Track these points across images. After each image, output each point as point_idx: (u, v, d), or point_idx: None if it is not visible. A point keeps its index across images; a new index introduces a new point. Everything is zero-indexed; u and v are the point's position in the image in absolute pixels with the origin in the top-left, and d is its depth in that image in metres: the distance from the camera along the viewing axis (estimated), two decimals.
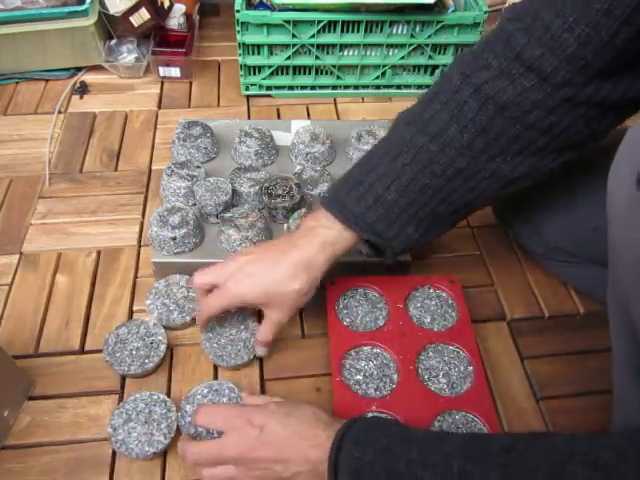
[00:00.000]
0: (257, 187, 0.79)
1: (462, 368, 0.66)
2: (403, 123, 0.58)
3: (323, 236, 0.59)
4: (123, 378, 0.67)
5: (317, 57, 1.02)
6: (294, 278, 0.58)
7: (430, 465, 0.43)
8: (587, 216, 0.68)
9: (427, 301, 0.72)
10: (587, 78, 0.49)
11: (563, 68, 0.49)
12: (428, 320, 0.71)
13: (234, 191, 0.78)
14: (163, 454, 0.61)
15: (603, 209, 0.65)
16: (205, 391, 0.63)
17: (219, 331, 0.68)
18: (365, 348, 0.68)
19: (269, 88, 1.07)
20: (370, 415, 0.60)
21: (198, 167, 0.81)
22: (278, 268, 0.59)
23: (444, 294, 0.73)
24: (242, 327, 0.69)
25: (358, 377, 0.65)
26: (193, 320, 0.71)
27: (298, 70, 1.05)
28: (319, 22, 0.96)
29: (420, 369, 0.66)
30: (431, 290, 0.73)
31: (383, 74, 1.07)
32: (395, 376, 0.65)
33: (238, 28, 0.97)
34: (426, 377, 0.65)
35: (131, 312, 0.74)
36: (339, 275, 0.74)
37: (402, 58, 1.04)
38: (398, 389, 0.64)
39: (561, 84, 0.50)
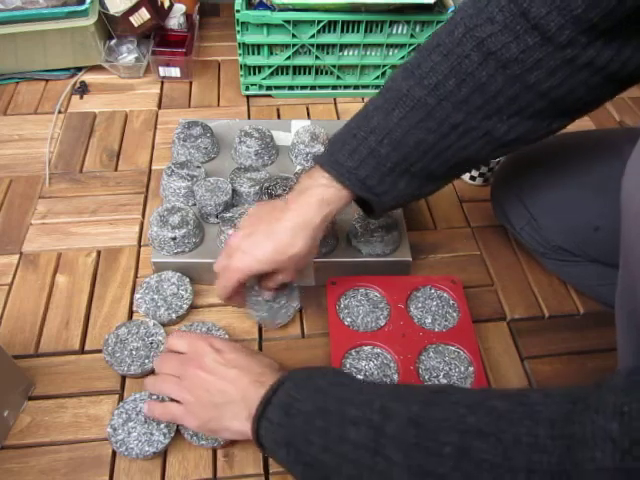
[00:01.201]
0: (257, 187, 0.79)
1: (462, 369, 0.66)
2: (401, 77, 0.57)
3: (318, 195, 0.59)
4: (123, 378, 0.67)
5: (317, 57, 1.02)
6: (292, 243, 0.59)
7: (357, 403, 0.45)
8: (589, 216, 0.68)
9: (428, 301, 0.72)
10: (591, 39, 0.48)
11: (568, 28, 0.48)
12: (429, 320, 0.71)
13: (234, 191, 0.78)
14: (163, 454, 0.61)
15: (605, 209, 0.65)
16: None
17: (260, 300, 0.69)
18: (366, 348, 0.68)
19: (269, 88, 1.07)
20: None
21: (198, 167, 0.81)
22: (275, 237, 0.59)
23: (445, 294, 0.73)
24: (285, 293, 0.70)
25: (358, 377, 0.65)
26: (178, 317, 0.72)
27: (298, 70, 1.05)
28: (319, 22, 0.96)
29: (421, 369, 0.66)
30: (432, 290, 0.73)
31: (383, 74, 1.07)
32: (396, 376, 0.65)
33: (238, 28, 0.97)
34: (427, 377, 0.65)
35: (131, 312, 0.74)
36: (340, 275, 0.74)
37: (402, 58, 1.04)
38: None
39: (564, 45, 0.49)
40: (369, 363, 0.66)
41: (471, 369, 0.66)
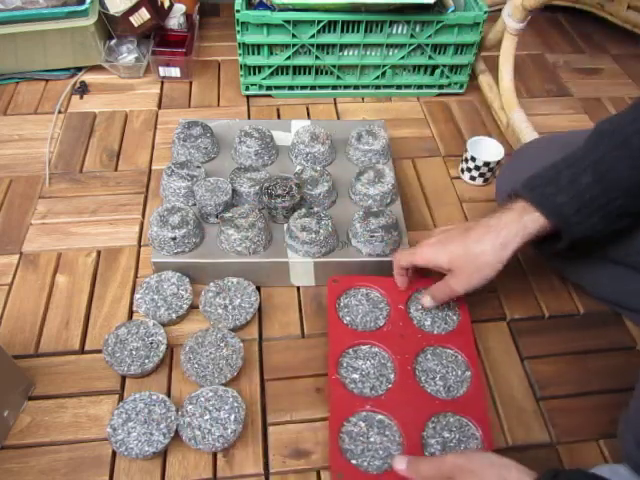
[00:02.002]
0: (257, 187, 0.79)
1: (460, 372, 0.66)
2: (608, 123, 0.58)
3: (517, 221, 0.59)
4: (123, 378, 0.67)
5: (317, 57, 1.02)
6: (489, 251, 0.59)
7: None
8: None
9: None
10: None
11: None
12: (428, 323, 0.71)
13: (234, 191, 0.78)
14: (163, 454, 0.61)
15: None
16: (209, 394, 0.63)
17: (198, 351, 0.67)
18: (363, 347, 0.68)
19: (269, 88, 1.07)
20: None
21: (198, 167, 0.81)
22: (469, 239, 0.61)
23: None
24: (222, 344, 0.67)
25: (355, 375, 0.65)
26: (178, 317, 0.71)
27: (298, 70, 1.05)
28: (319, 22, 0.96)
29: (417, 370, 0.66)
30: (428, 308, 0.72)
31: (383, 74, 1.07)
32: (392, 376, 0.65)
33: (238, 28, 0.97)
34: (423, 379, 0.65)
35: (131, 312, 0.74)
36: (340, 274, 0.74)
37: (402, 58, 1.04)
38: (394, 389, 0.64)
39: None
40: (366, 362, 0.66)
41: (468, 373, 0.66)
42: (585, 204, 0.56)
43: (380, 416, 0.62)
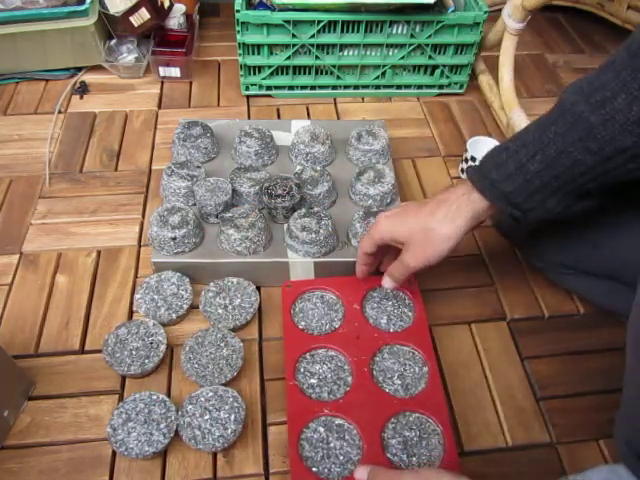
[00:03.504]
0: (257, 187, 0.79)
1: (417, 369, 0.66)
2: (569, 91, 0.52)
3: (461, 204, 0.57)
4: (123, 378, 0.67)
5: (317, 57, 1.02)
6: (441, 223, 0.57)
7: None
8: (587, 235, 0.67)
9: (384, 301, 0.72)
10: None
11: None
12: (384, 321, 0.70)
13: (234, 191, 0.78)
14: (163, 454, 0.61)
15: (601, 228, 0.65)
16: (209, 394, 0.63)
17: (198, 351, 0.67)
18: (320, 351, 0.67)
19: (269, 88, 1.07)
20: None
21: (198, 167, 0.81)
22: (424, 213, 0.59)
23: (401, 294, 0.73)
24: (222, 344, 0.68)
25: (312, 381, 0.64)
26: (178, 317, 0.72)
27: (298, 70, 1.05)
28: (319, 22, 0.96)
29: (375, 371, 0.66)
30: (389, 290, 0.72)
31: (383, 74, 1.07)
32: (350, 379, 0.65)
33: (238, 28, 0.97)
34: (381, 379, 0.65)
35: (131, 312, 0.74)
36: (340, 275, 0.74)
37: (402, 58, 1.04)
38: (352, 392, 0.63)
39: None
40: (323, 366, 0.66)
41: (425, 369, 0.66)
42: (536, 190, 0.53)
43: (339, 420, 0.61)
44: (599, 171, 0.50)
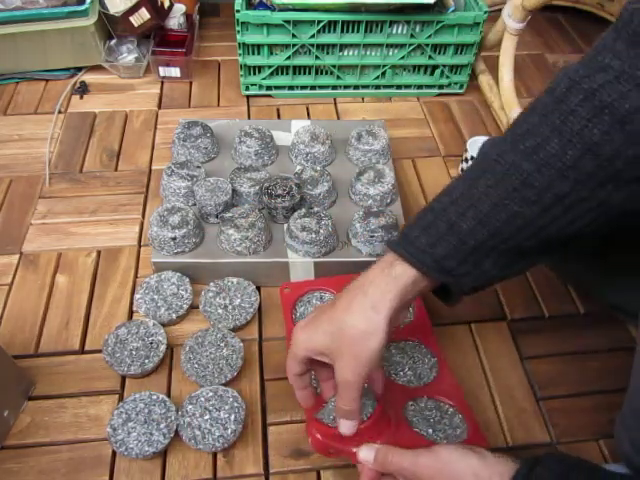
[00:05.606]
0: (257, 187, 0.79)
1: (426, 360, 0.67)
2: (490, 144, 0.48)
3: (386, 274, 0.48)
4: (123, 378, 0.67)
5: (317, 57, 1.02)
6: (359, 318, 0.47)
7: None
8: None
9: None
10: None
11: None
12: None
13: (234, 191, 0.78)
14: (163, 454, 0.61)
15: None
16: (209, 394, 0.63)
17: (198, 351, 0.67)
18: None
19: (269, 88, 1.07)
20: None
21: (198, 167, 0.81)
22: (338, 310, 0.49)
23: None
24: (222, 344, 0.68)
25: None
26: (178, 317, 0.71)
27: (298, 70, 1.05)
28: (319, 22, 0.96)
29: (385, 365, 0.66)
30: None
31: (383, 74, 1.07)
32: None
33: (238, 28, 0.97)
34: (392, 372, 0.65)
35: (131, 312, 0.74)
36: (340, 274, 0.74)
37: (402, 58, 1.04)
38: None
39: None
40: None
41: (434, 360, 0.67)
42: (469, 251, 0.46)
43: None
44: (539, 223, 0.45)
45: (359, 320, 0.47)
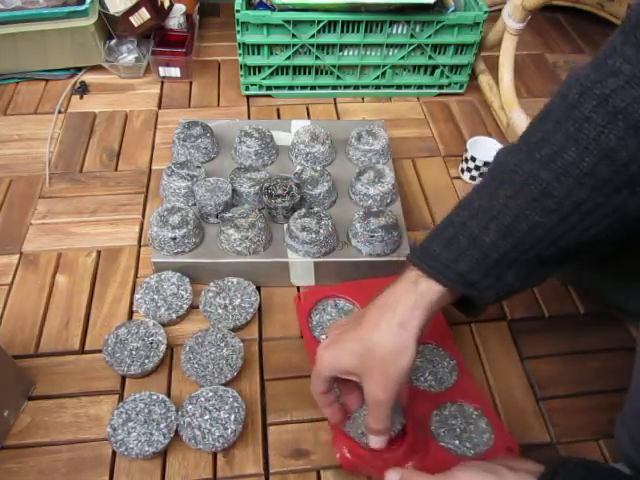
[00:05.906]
0: (257, 187, 0.79)
1: (445, 363, 0.67)
2: (504, 152, 0.48)
3: (412, 291, 0.48)
4: (123, 378, 0.67)
5: (317, 57, 1.02)
6: (388, 335, 0.47)
7: None
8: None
9: None
10: None
11: None
12: None
13: (234, 191, 0.78)
14: (163, 454, 0.61)
15: None
16: (209, 394, 0.63)
17: (198, 351, 0.67)
18: None
19: (269, 88, 1.07)
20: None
21: (198, 167, 0.81)
22: (364, 329, 0.49)
23: None
24: (222, 344, 0.67)
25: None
26: (178, 317, 0.71)
27: (298, 70, 1.05)
28: (319, 22, 0.96)
29: None
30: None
31: (383, 74, 1.07)
32: None
33: (238, 28, 0.97)
34: (413, 378, 0.65)
35: (131, 312, 0.74)
36: (341, 274, 0.74)
37: (402, 58, 1.04)
38: None
39: None
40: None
41: (453, 362, 0.67)
42: (492, 264, 0.47)
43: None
44: (559, 232, 0.45)
45: (388, 338, 0.47)
